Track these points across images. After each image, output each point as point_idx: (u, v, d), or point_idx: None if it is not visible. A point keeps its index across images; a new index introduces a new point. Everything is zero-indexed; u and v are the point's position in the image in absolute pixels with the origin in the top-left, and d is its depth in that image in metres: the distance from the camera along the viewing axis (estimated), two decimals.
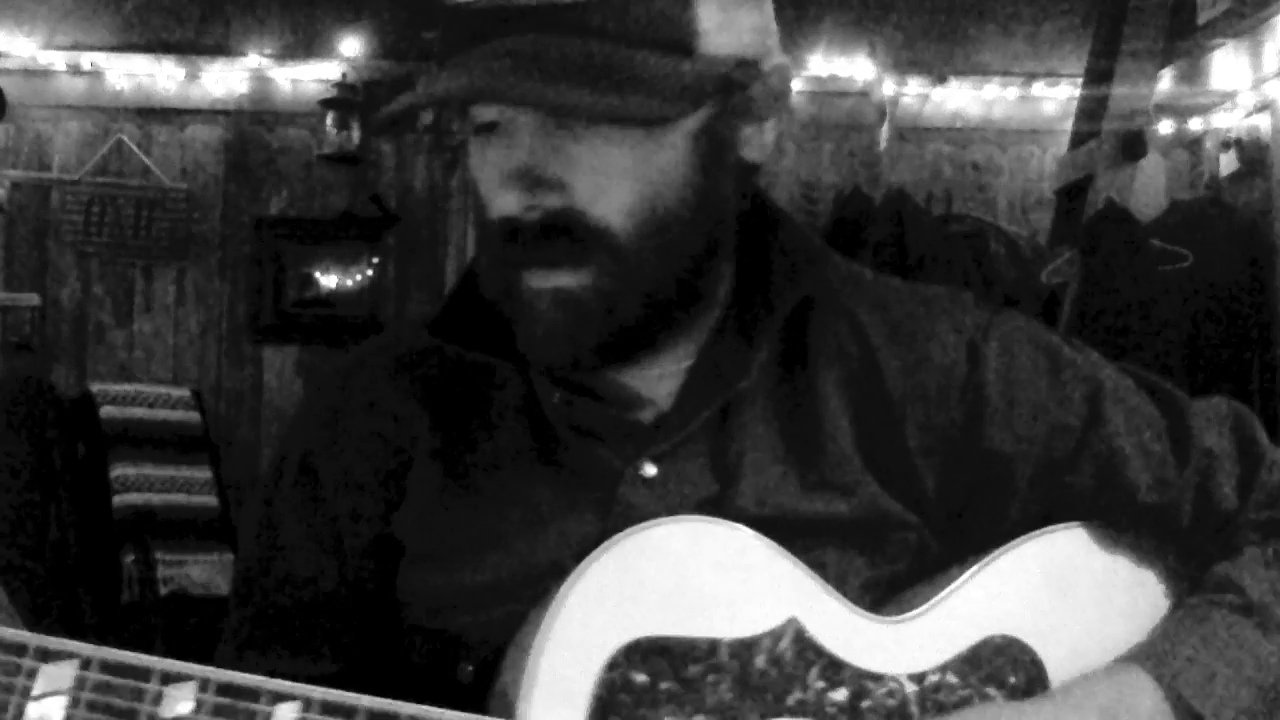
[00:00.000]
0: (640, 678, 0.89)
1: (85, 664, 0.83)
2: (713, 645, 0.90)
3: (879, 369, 1.02)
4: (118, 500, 4.04)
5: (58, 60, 4.50)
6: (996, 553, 1.01)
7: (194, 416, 4.32)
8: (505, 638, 0.94)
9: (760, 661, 0.91)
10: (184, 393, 4.38)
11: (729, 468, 0.99)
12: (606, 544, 0.90)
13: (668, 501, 0.97)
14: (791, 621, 0.93)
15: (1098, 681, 0.97)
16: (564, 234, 0.92)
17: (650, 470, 0.98)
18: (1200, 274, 3.91)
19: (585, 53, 0.88)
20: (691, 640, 0.90)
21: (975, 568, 1.00)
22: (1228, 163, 4.28)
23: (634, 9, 0.90)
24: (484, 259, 0.97)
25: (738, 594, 0.92)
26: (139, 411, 4.22)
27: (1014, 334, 1.05)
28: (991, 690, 0.97)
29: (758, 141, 0.98)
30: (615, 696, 0.88)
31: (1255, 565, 1.01)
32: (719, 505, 0.97)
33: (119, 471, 4.07)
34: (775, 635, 0.92)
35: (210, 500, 4.20)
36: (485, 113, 0.94)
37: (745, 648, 0.91)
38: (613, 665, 0.88)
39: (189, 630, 3.78)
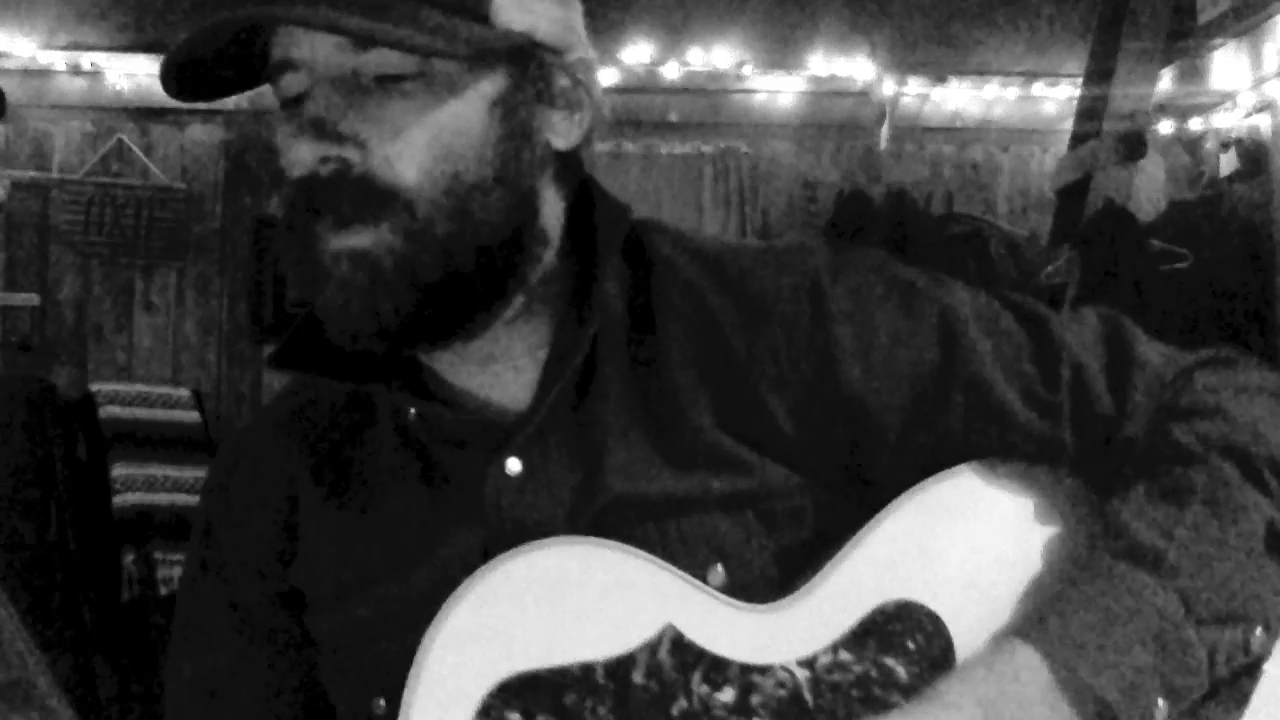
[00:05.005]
0: (515, 717, 0.86)
1: None
2: (587, 669, 0.87)
3: (724, 334, 0.99)
4: (118, 500, 4.03)
5: (58, 60, 4.49)
6: (881, 513, 0.97)
7: (194, 416, 4.32)
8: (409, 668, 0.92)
9: (638, 676, 0.88)
10: (184, 393, 4.37)
11: (592, 454, 0.97)
12: (458, 591, 0.88)
13: (538, 496, 0.96)
14: (667, 629, 0.89)
15: (976, 670, 0.91)
16: (357, 190, 0.90)
17: (515, 466, 0.97)
18: (1200, 274, 3.91)
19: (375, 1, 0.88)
20: (564, 668, 0.87)
21: (859, 534, 0.96)
22: (1228, 163, 4.29)
23: None
24: (282, 234, 0.95)
25: (607, 611, 0.89)
26: (139, 411, 4.22)
27: (860, 273, 1.01)
28: (890, 660, 0.93)
29: (565, 129, 0.97)
30: None
31: (1143, 502, 0.95)
32: (589, 492, 0.96)
33: (119, 471, 4.07)
34: (651, 647, 0.89)
35: None
36: (287, 83, 0.93)
37: (621, 665, 0.88)
38: (486, 710, 0.85)
39: None
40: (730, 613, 0.92)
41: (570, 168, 1.00)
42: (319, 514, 1.02)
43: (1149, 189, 4.18)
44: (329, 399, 1.05)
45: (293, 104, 0.94)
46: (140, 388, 4.34)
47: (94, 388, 4.26)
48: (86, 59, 4.49)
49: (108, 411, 4.16)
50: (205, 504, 1.09)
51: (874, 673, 0.92)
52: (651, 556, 0.92)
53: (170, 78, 0.95)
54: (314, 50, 0.92)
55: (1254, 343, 3.97)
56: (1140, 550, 0.93)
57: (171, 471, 4.15)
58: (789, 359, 0.99)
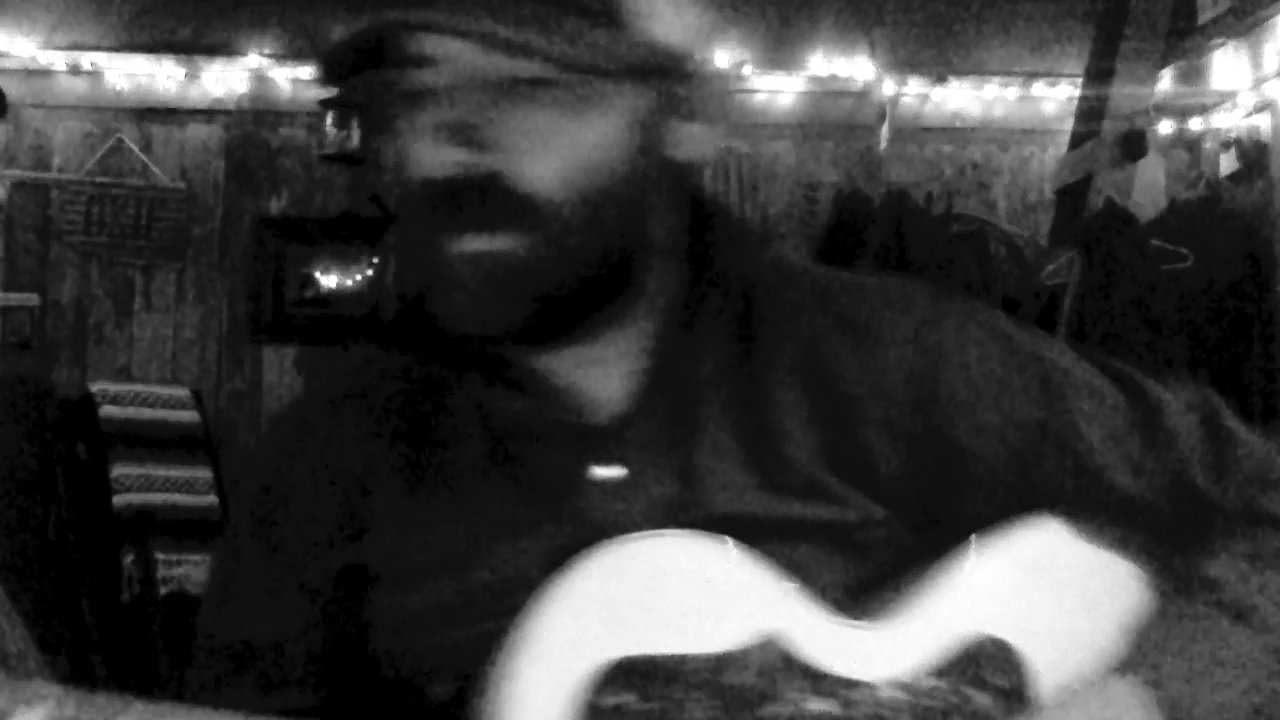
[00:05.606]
0: (617, 700, 0.87)
1: (56, 713, 0.79)
2: (690, 663, 0.89)
3: (828, 365, 1.00)
4: (118, 500, 4.04)
5: (58, 60, 4.49)
6: (974, 550, 0.99)
7: (194, 416, 4.32)
8: (476, 656, 0.92)
9: (739, 677, 0.89)
10: (184, 393, 4.37)
11: (690, 469, 0.97)
12: (577, 564, 0.89)
13: (630, 505, 0.96)
14: (770, 634, 0.91)
15: (1083, 696, 0.95)
16: (495, 197, 0.90)
17: (610, 473, 0.97)
18: (1200, 274, 3.91)
19: (523, 7, 0.88)
20: (668, 659, 0.88)
21: (953, 567, 0.98)
22: (1228, 163, 4.29)
23: None
24: (405, 228, 0.96)
25: (714, 608, 0.90)
26: (139, 411, 4.22)
27: (968, 323, 1.03)
28: (974, 693, 0.95)
29: (693, 141, 0.98)
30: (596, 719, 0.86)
31: (1237, 562, 0.99)
32: (683, 507, 0.96)
33: (119, 471, 4.07)
34: (754, 649, 0.90)
35: (210, 500, 4.20)
36: (420, 78, 0.93)
37: (724, 663, 0.89)
38: (592, 688, 0.87)
39: (189, 630, 3.77)
40: (831, 626, 0.93)
41: (689, 176, 1.00)
42: (393, 492, 1.01)
43: (1149, 189, 4.17)
44: (403, 376, 1.04)
45: (418, 97, 0.93)
46: (140, 388, 4.34)
47: (94, 388, 4.26)
48: (86, 59, 4.50)
49: (107, 411, 4.17)
50: (266, 469, 1.07)
51: (961, 703, 0.95)
52: (762, 559, 0.93)
53: (323, 71, 0.95)
54: (456, 50, 0.91)
55: (1254, 343, 3.97)
56: (1235, 604, 0.97)
57: (171, 471, 4.15)
58: (897, 400, 0.99)
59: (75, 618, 3.86)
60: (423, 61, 0.92)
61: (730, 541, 0.93)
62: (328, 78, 0.96)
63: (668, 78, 0.95)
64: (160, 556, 4.00)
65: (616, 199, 0.93)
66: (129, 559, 3.98)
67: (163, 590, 3.96)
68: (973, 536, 1.00)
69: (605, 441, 0.98)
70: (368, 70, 0.96)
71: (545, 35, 0.88)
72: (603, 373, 0.99)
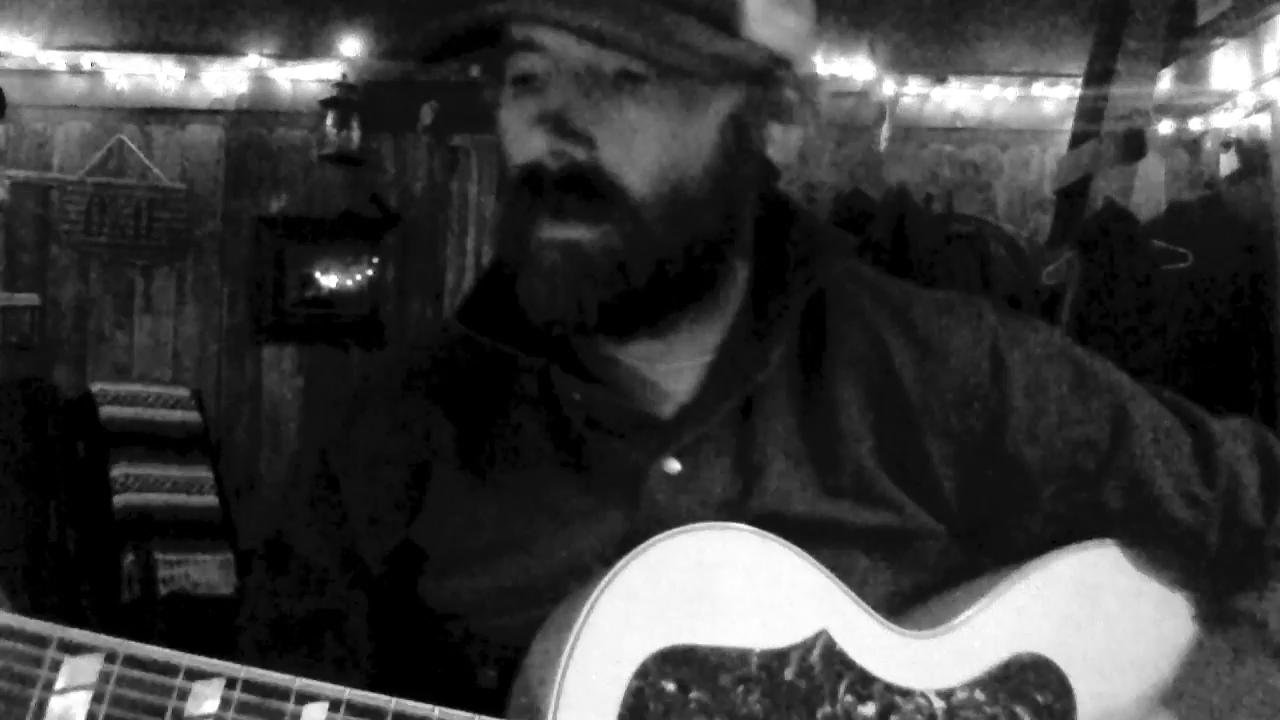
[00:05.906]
0: (670, 686, 0.88)
1: (110, 658, 0.82)
2: (743, 655, 0.90)
3: (897, 375, 1.01)
4: (118, 500, 4.03)
5: (58, 60, 4.49)
6: (1026, 568, 1.00)
7: (194, 416, 4.32)
8: (529, 641, 0.93)
9: (790, 673, 0.91)
10: (184, 393, 4.37)
11: (752, 466, 0.98)
12: (636, 550, 0.90)
13: (691, 499, 0.97)
14: (822, 634, 0.92)
15: None
16: (585, 187, 0.92)
17: (674, 466, 0.98)
18: (1200, 274, 3.91)
19: (634, 5, 0.90)
20: (722, 650, 0.90)
21: (1005, 583, 0.99)
22: (1228, 163, 4.28)
23: None
24: (501, 214, 0.97)
25: (769, 604, 0.92)
26: (139, 411, 4.22)
27: (1038, 344, 1.04)
28: (1018, 709, 0.97)
29: (783, 143, 1.00)
30: (645, 704, 0.88)
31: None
32: (742, 504, 0.97)
33: (119, 471, 4.07)
34: (806, 647, 0.92)
35: (210, 500, 4.19)
36: (524, 63, 0.94)
37: (776, 659, 0.91)
38: (643, 673, 0.88)
39: (189, 630, 3.78)
40: (881, 631, 0.95)
41: (776, 177, 1.02)
42: (453, 475, 1.02)
43: (1149, 189, 4.17)
44: (468, 359, 1.05)
45: (522, 82, 0.95)
46: (140, 388, 4.34)
47: (94, 388, 4.26)
48: (86, 59, 4.50)
49: (108, 411, 4.16)
50: (326, 444, 1.07)
51: (1004, 717, 0.96)
52: (815, 560, 0.93)
53: (421, 50, 0.97)
54: (557, 39, 0.92)
55: (1253, 343, 3.97)
56: (1272, 644, 1.00)
57: (171, 471, 4.15)
58: (960, 414, 1.01)
59: (75, 618, 3.85)
60: (529, 50, 0.94)
61: (787, 543, 0.94)
62: (425, 59, 0.97)
63: (770, 81, 0.96)
64: (160, 556, 4.00)
65: (707, 197, 0.94)
66: (129, 559, 3.98)
67: (163, 590, 3.96)
68: (1025, 554, 1.02)
69: (668, 434, 0.99)
70: (466, 55, 0.97)
71: (654, 34, 0.89)
72: (673, 365, 1.00)
